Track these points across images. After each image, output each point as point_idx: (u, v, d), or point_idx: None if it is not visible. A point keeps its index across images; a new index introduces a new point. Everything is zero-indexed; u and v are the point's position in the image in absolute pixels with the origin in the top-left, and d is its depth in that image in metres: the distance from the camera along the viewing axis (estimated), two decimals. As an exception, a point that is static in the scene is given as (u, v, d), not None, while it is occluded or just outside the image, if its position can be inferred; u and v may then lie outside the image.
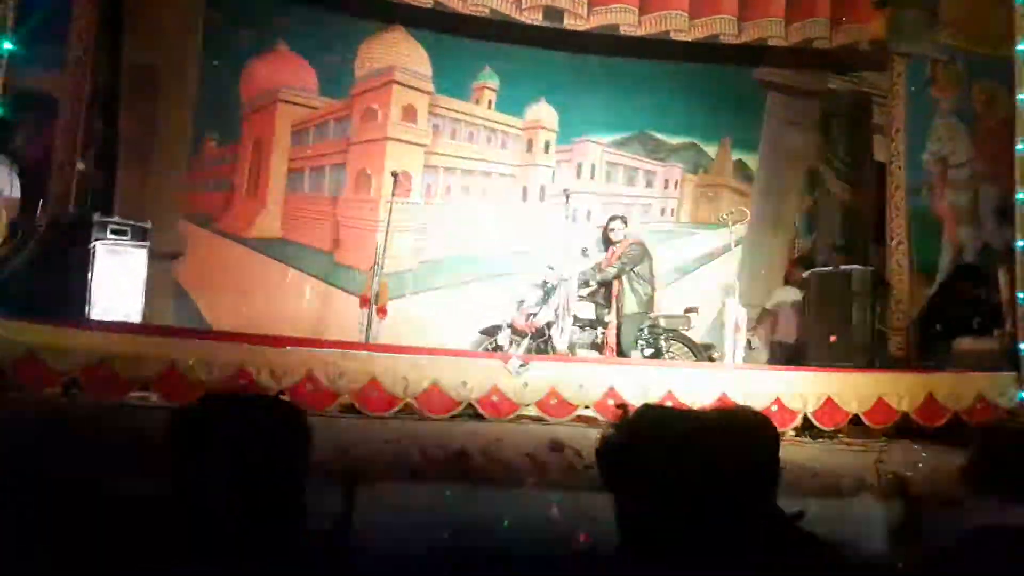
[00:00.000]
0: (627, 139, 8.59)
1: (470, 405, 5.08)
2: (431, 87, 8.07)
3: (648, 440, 1.47)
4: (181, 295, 7.00)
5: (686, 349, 6.63)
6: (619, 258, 6.74)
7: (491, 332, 6.48)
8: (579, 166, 8.54)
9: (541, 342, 6.45)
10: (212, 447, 1.38)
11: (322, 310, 7.34)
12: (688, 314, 6.83)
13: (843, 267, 6.54)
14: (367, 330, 5.87)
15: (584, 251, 6.83)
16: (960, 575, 1.82)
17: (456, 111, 8.24)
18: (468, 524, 4.06)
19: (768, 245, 8.28)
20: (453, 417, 5.02)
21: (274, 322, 6.75)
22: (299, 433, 1.46)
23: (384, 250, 6.04)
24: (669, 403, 4.79)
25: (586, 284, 6.74)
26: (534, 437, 4.60)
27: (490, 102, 8.33)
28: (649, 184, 8.77)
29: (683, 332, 6.70)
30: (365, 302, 6.08)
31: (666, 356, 6.52)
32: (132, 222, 5.65)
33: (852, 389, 5.30)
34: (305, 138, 7.89)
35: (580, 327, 6.65)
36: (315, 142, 7.92)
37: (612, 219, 7.08)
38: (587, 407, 5.21)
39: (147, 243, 5.69)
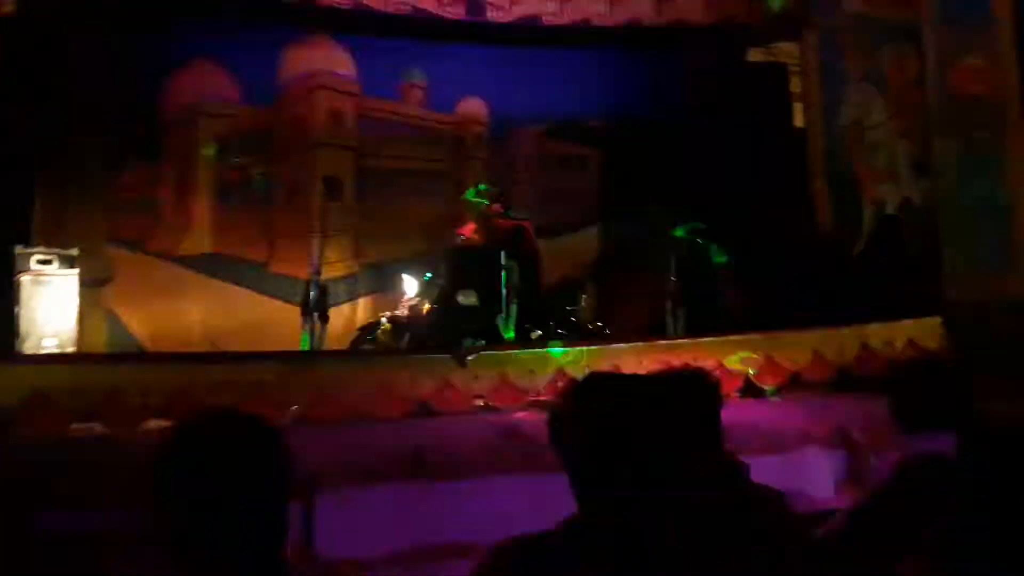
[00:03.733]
0: (558, 127, 8.64)
1: (423, 402, 5.05)
2: (358, 89, 7.99)
3: (597, 403, 1.53)
4: (114, 322, 6.84)
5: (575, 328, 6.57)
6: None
7: (370, 329, 6.31)
8: (513, 157, 8.54)
9: (424, 330, 6.31)
10: (203, 469, 1.33)
11: (261, 322, 7.22)
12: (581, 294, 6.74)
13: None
14: (310, 338, 5.79)
15: (457, 236, 6.68)
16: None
17: (385, 111, 8.20)
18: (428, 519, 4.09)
19: None
20: (408, 416, 4.95)
21: (212, 340, 6.65)
22: (279, 447, 1.42)
23: (320, 256, 5.97)
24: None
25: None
26: (489, 427, 4.60)
27: (419, 100, 8.28)
28: (583, 169, 8.82)
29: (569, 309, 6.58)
30: (305, 313, 5.98)
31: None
32: (58, 251, 5.48)
33: (789, 348, 5.44)
34: (231, 149, 7.74)
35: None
36: (242, 152, 7.78)
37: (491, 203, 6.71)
38: (539, 392, 5.19)
39: (75, 270, 5.53)
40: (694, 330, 6.07)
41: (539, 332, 6.40)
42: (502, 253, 6.17)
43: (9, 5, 6.08)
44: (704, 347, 5.45)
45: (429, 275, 6.69)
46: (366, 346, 6.27)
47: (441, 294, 6.39)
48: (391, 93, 8.23)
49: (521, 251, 6.40)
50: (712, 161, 7.79)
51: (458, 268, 6.47)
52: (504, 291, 6.15)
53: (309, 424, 4.78)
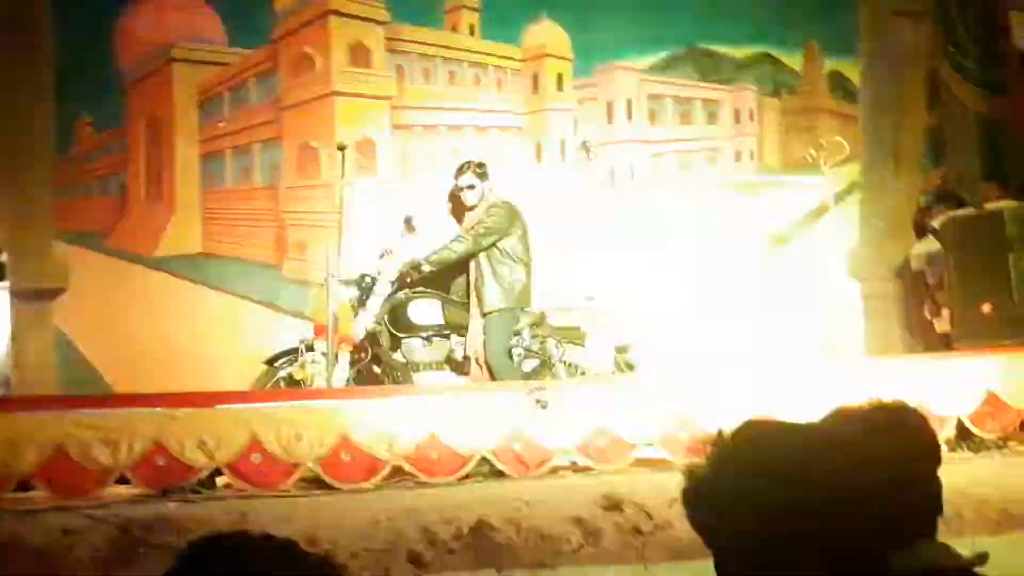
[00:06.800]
0: (673, 58, 8.62)
1: (485, 459, 5.09)
2: (385, 14, 8.05)
3: (757, 469, 1.48)
4: (66, 346, 7.03)
5: (591, 353, 6.52)
6: (473, 228, 6.51)
7: (286, 360, 6.21)
8: (610, 104, 8.54)
9: (367, 363, 6.31)
10: None
11: (270, 348, 7.34)
12: (590, 302, 6.73)
13: (989, 206, 6.51)
14: (329, 370, 5.86)
15: (409, 222, 6.77)
16: None
17: (426, 44, 8.25)
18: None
19: (890, 186, 8.23)
20: (463, 479, 5.04)
21: (202, 373, 6.79)
22: None
23: (338, 254, 6.03)
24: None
25: (417, 270, 6.46)
26: (580, 494, 4.59)
27: (472, 27, 8.34)
28: (713, 119, 8.77)
29: (584, 331, 6.56)
30: (321, 331, 6.07)
31: (558, 366, 6.40)
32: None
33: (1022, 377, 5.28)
34: (218, 107, 7.92)
35: (424, 338, 6.44)
36: (233, 111, 7.95)
37: (461, 170, 6.71)
38: (650, 444, 5.22)
39: (5, 281, 5.72)
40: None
41: (536, 361, 6.47)
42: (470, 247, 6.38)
43: None
44: (895, 374, 5.34)
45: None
46: (279, 383, 6.17)
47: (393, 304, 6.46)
48: (432, 18, 8.27)
49: (505, 245, 6.51)
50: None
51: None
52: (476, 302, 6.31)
53: (328, 489, 4.88)
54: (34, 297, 6.56)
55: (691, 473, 1.55)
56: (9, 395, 5.63)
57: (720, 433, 1.54)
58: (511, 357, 6.39)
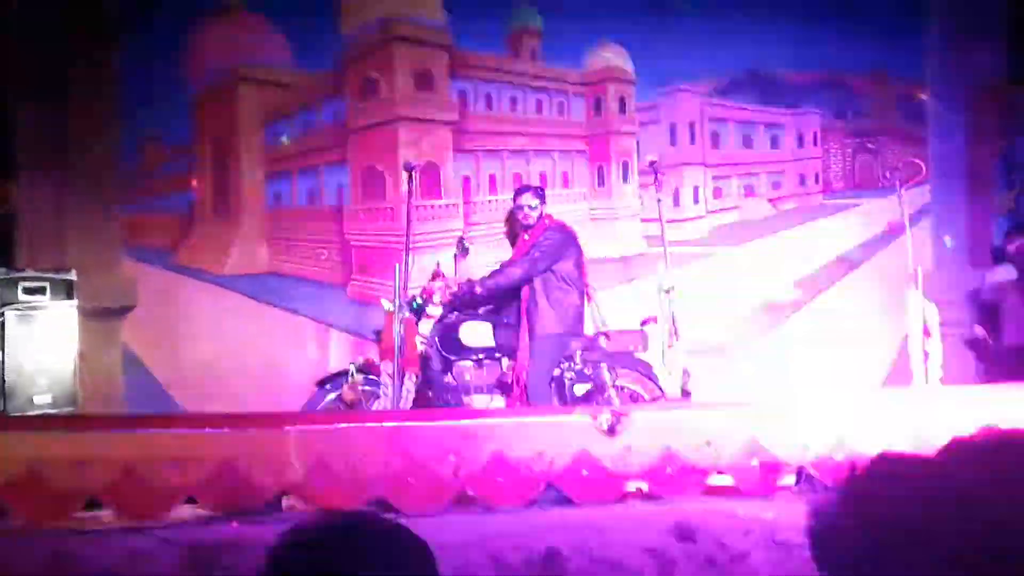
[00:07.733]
0: (736, 82, 8.58)
1: (551, 486, 4.95)
2: (449, 39, 8.08)
3: (896, 508, 1.49)
4: (134, 364, 7.07)
5: (645, 379, 6.44)
6: (529, 252, 6.50)
7: (336, 383, 6.26)
8: (673, 127, 8.51)
9: (419, 386, 6.20)
10: None
11: (334, 369, 7.31)
12: (645, 327, 6.55)
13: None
14: (395, 391, 5.78)
15: (462, 244, 6.75)
16: None
17: (489, 69, 8.27)
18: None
19: (963, 209, 8.11)
20: (531, 504, 4.88)
21: (267, 392, 6.76)
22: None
23: (405, 276, 5.98)
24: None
25: (472, 295, 6.46)
26: (651, 523, 4.42)
27: (534, 51, 8.33)
28: (776, 143, 8.69)
29: (638, 355, 6.49)
30: (387, 352, 6.01)
31: (611, 391, 6.29)
32: (51, 274, 5.67)
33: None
34: (285, 128, 7.96)
35: (475, 360, 6.44)
36: (300, 133, 7.99)
37: (520, 193, 6.79)
38: (720, 472, 5.04)
39: (75, 300, 5.72)
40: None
41: (587, 386, 6.35)
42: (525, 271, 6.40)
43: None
44: (970, 404, 5.13)
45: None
46: (329, 405, 6.22)
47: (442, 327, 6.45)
48: (495, 43, 8.29)
49: (560, 268, 6.50)
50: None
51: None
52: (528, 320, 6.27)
53: (395, 513, 4.77)
54: (103, 315, 6.58)
55: (818, 508, 1.59)
56: (77, 413, 5.60)
57: (853, 468, 1.57)
58: (552, 384, 6.36)
